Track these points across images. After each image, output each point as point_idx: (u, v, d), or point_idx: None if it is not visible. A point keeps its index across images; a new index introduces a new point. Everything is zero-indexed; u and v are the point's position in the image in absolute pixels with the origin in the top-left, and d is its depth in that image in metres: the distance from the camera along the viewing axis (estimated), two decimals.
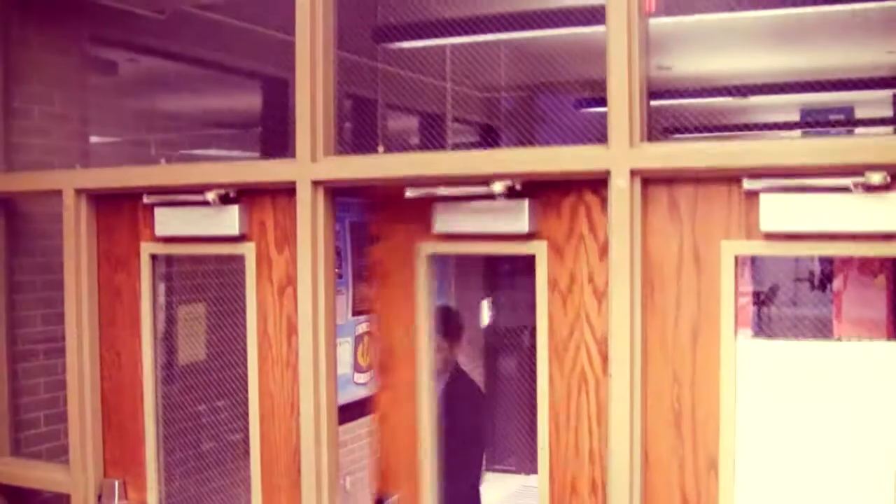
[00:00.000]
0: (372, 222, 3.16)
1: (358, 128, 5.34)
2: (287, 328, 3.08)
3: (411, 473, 3.09)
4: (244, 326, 3.15)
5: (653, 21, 2.75)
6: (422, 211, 2.91)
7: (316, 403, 3.01)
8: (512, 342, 7.24)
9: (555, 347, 2.81)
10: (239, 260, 3.17)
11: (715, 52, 6.05)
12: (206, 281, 4.44)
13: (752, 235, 2.58)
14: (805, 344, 2.63)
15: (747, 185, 2.55)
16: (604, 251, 2.72)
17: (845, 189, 2.46)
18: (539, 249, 2.83)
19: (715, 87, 6.80)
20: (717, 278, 2.61)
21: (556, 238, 2.80)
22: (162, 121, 5.08)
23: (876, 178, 2.41)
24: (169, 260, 4.28)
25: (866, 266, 3.09)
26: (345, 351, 5.20)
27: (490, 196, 2.73)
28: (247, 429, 4.23)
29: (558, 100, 6.61)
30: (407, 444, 3.09)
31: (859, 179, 2.42)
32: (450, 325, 3.50)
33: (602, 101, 2.71)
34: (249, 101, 5.42)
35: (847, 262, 3.17)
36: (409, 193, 2.79)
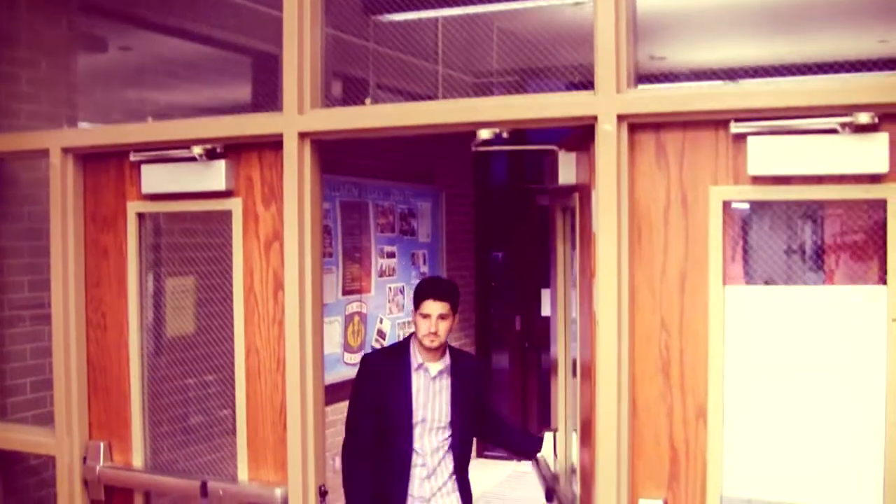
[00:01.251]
0: None
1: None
2: (274, 284, 3.06)
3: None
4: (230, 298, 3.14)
5: (646, 10, 2.76)
6: None
7: (302, 358, 3.00)
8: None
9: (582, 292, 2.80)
10: (228, 230, 3.15)
11: (710, 41, 6.06)
12: (196, 254, 4.41)
13: (740, 180, 2.57)
14: (793, 289, 2.61)
15: (735, 128, 2.54)
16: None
17: (832, 131, 2.46)
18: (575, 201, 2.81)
19: (705, 70, 6.82)
20: (706, 224, 2.60)
21: (585, 184, 2.79)
22: (151, 106, 5.07)
23: (863, 117, 2.40)
24: (157, 231, 4.26)
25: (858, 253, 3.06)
26: (334, 330, 5.17)
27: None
28: (234, 404, 4.20)
29: (548, 85, 6.62)
30: None
31: (847, 119, 2.42)
32: (455, 296, 3.30)
33: (591, 87, 2.70)
34: (242, 85, 5.41)
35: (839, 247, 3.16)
36: None
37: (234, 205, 3.11)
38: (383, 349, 3.77)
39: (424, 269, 6.03)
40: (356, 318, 5.40)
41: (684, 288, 2.63)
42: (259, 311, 3.10)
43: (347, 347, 5.32)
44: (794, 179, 2.50)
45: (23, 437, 3.55)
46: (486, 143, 2.92)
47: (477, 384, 3.46)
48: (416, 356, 3.30)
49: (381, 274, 5.59)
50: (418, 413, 3.28)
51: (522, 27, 5.48)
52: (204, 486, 3.14)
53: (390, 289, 5.66)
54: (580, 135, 2.84)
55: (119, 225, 3.32)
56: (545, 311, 6.85)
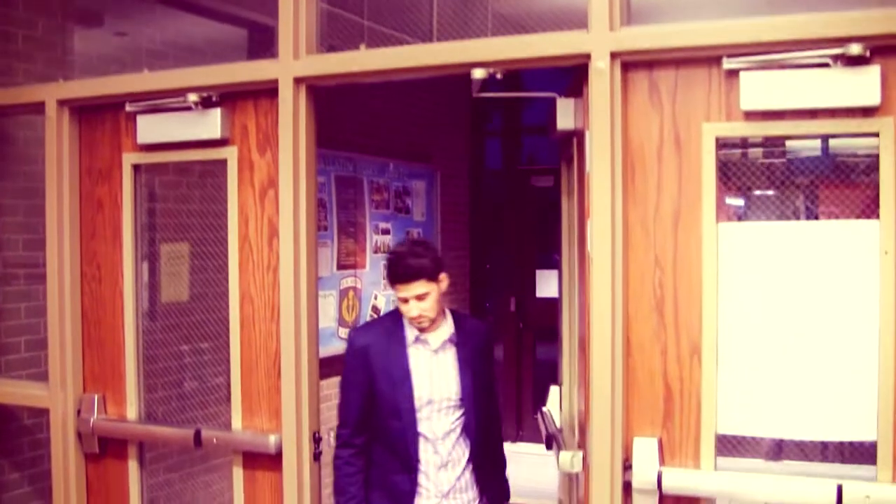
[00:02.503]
0: None
1: None
2: (268, 231, 3.07)
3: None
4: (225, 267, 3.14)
5: None
6: None
7: (296, 305, 3.00)
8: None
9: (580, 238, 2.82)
10: (223, 186, 3.16)
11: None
12: (191, 221, 4.41)
13: (733, 117, 2.59)
14: (786, 224, 2.62)
15: (727, 64, 2.55)
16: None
17: (825, 65, 2.48)
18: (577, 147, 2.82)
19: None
20: (699, 161, 2.61)
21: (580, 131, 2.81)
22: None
23: (855, 48, 2.42)
24: (152, 196, 4.26)
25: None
26: (329, 304, 5.17)
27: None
28: (228, 372, 4.19)
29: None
30: None
31: (838, 51, 2.43)
32: (431, 264, 2.85)
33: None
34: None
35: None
36: None
37: (230, 153, 3.11)
38: (371, 323, 3.25)
39: None
40: (351, 293, 5.40)
41: (678, 226, 2.64)
42: (254, 259, 3.10)
43: (342, 322, 5.31)
44: (786, 115, 2.52)
45: (16, 391, 3.54)
46: (485, 89, 2.94)
47: (487, 351, 3.10)
48: (411, 328, 2.93)
49: (377, 250, 5.59)
50: (422, 393, 2.89)
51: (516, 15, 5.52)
52: (198, 434, 3.13)
53: (385, 265, 5.67)
54: (576, 82, 2.86)
55: (114, 177, 3.32)
56: (540, 292, 6.86)
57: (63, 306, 3.34)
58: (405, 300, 2.84)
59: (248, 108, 3.10)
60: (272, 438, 3.01)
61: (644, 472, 2.62)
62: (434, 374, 2.93)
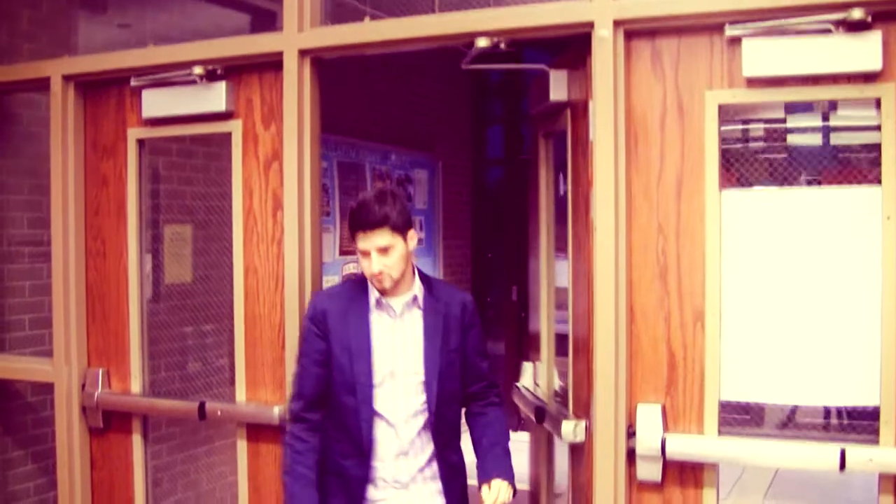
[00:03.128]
0: None
1: None
2: (273, 203, 3.08)
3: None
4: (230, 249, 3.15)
5: None
6: None
7: (301, 276, 3.01)
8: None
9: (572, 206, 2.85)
10: (228, 157, 3.18)
11: None
12: (195, 203, 4.43)
13: (735, 84, 2.60)
14: (789, 191, 2.64)
15: (729, 31, 2.57)
16: (584, 108, 2.74)
17: (826, 31, 2.50)
18: (567, 117, 2.84)
19: None
20: (702, 129, 2.62)
21: (577, 100, 2.83)
22: None
23: (856, 13, 2.43)
24: (156, 177, 4.28)
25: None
26: None
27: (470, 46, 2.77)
28: (231, 354, 4.20)
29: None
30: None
31: (840, 16, 2.45)
32: (398, 214, 2.53)
33: None
34: None
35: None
36: None
37: (234, 126, 3.13)
38: (336, 286, 2.89)
39: (421, 234, 6.05)
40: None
41: (681, 193, 2.65)
42: (258, 231, 3.11)
43: None
44: (788, 81, 2.53)
45: (21, 366, 3.56)
46: (477, 61, 2.95)
47: (465, 325, 2.67)
48: (375, 290, 2.60)
49: None
50: (383, 366, 2.57)
51: None
52: (202, 406, 3.14)
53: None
54: (572, 54, 2.87)
55: (119, 153, 3.34)
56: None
57: (68, 281, 3.35)
58: (366, 253, 2.52)
59: (253, 82, 3.11)
60: (276, 410, 3.02)
61: (648, 438, 2.63)
62: (397, 344, 2.61)
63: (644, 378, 2.68)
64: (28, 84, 3.49)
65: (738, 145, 3.55)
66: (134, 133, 3.30)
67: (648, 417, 2.65)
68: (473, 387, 2.72)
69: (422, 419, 2.58)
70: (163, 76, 3.16)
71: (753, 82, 2.56)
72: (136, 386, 3.33)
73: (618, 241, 2.65)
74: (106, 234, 3.37)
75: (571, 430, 2.81)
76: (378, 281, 2.55)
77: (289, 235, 3.01)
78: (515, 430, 6.85)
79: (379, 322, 2.61)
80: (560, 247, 3.25)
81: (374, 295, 2.61)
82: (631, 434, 2.66)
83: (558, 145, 3.27)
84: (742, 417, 2.84)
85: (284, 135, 3.00)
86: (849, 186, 2.59)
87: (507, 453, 2.70)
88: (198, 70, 3.07)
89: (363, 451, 2.56)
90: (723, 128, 2.64)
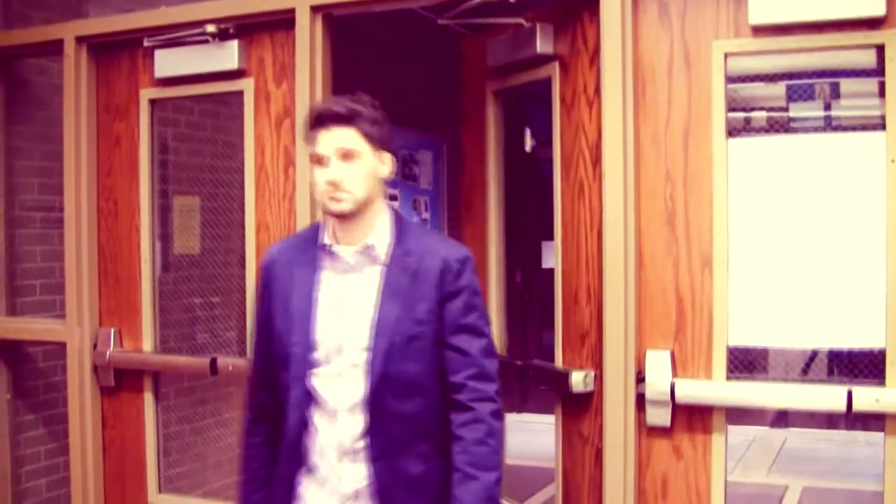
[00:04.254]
0: None
1: None
2: (284, 160, 3.12)
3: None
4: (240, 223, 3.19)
5: None
6: None
7: None
8: None
9: (563, 160, 2.86)
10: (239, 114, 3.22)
11: None
12: (203, 175, 4.47)
13: (741, 33, 2.64)
14: (794, 137, 2.68)
15: None
16: (593, 60, 2.78)
17: None
18: (552, 71, 2.90)
19: None
20: (708, 78, 2.66)
21: (563, 54, 2.87)
22: None
23: None
24: (164, 148, 4.31)
25: None
26: None
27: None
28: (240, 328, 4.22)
29: None
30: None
31: None
32: (372, 118, 2.01)
33: None
34: None
35: None
36: None
37: (246, 85, 3.17)
38: (293, 234, 2.42)
39: (426, 215, 6.08)
40: None
41: (688, 141, 2.69)
42: (270, 188, 3.15)
43: None
44: (793, 29, 2.57)
45: (33, 327, 3.59)
46: (454, 18, 2.99)
47: (442, 293, 2.00)
48: (326, 234, 2.05)
49: None
50: (328, 334, 2.00)
51: None
52: (213, 362, 3.17)
53: None
54: (558, 8, 2.90)
55: (131, 113, 3.38)
56: (546, 263, 6.88)
57: (80, 241, 3.38)
58: (321, 159, 1.97)
59: (265, 41, 3.16)
60: None
61: (657, 383, 2.66)
62: (348, 309, 2.02)
63: (653, 324, 2.71)
64: (41, 47, 3.53)
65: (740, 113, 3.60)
66: (146, 94, 3.35)
67: (658, 363, 2.68)
68: (455, 375, 2.01)
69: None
70: (175, 36, 3.21)
71: (759, 31, 2.60)
72: (147, 344, 3.37)
73: (626, 188, 2.69)
74: (118, 195, 3.41)
75: (581, 380, 2.83)
76: (334, 200, 1.96)
77: (301, 191, 3.04)
78: (519, 411, 6.91)
79: (330, 280, 2.03)
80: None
81: (326, 236, 2.04)
82: (640, 380, 2.69)
83: (508, 102, 3.35)
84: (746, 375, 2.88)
85: (297, 90, 3.04)
86: (853, 132, 2.63)
87: (486, 487, 1.98)
88: (210, 29, 3.11)
89: (294, 447, 2.00)
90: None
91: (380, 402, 1.99)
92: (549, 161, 3.05)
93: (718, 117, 2.65)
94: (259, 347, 2.14)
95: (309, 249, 2.07)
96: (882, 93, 2.53)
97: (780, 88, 3.81)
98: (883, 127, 2.52)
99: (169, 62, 3.23)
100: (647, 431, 2.71)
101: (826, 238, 2.59)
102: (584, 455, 2.84)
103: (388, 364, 1.98)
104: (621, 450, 2.69)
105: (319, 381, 2.01)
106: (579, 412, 2.88)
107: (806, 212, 2.61)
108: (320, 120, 2.00)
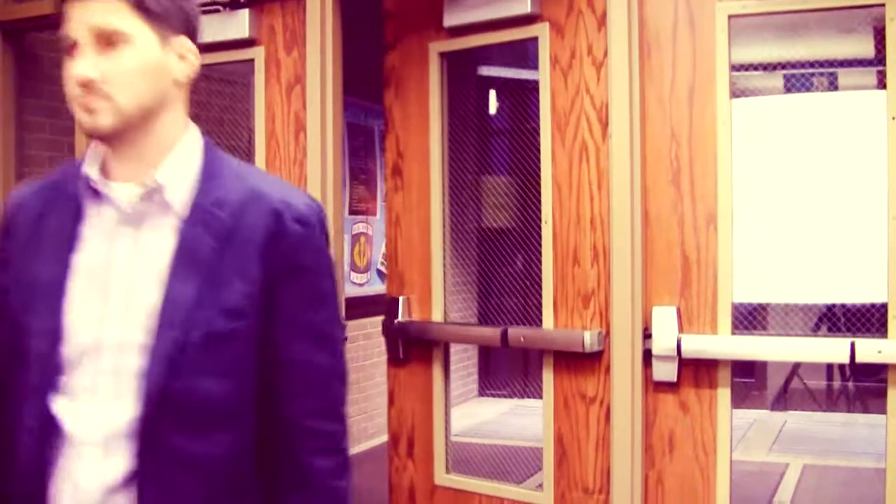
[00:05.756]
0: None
1: None
2: (295, 126, 3.17)
3: (424, 274, 3.19)
4: None
5: None
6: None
7: (323, 194, 3.09)
8: None
9: (557, 122, 2.90)
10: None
11: None
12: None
13: None
14: (797, 97, 2.74)
15: None
16: (601, 23, 2.83)
17: None
18: (541, 31, 2.93)
19: None
20: (713, 40, 2.72)
21: (556, 16, 2.92)
22: None
23: None
24: None
25: None
26: None
27: None
28: None
29: None
30: (420, 247, 3.20)
31: None
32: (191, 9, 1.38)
33: None
34: None
35: None
36: None
37: (257, 53, 3.22)
38: (59, 168, 1.49)
39: None
40: (362, 239, 5.49)
41: (693, 101, 2.74)
42: (280, 154, 3.19)
43: (354, 267, 5.40)
44: None
45: None
46: None
47: (271, 269, 1.31)
48: (92, 165, 1.33)
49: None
50: (86, 322, 1.29)
51: None
52: None
53: None
54: None
55: None
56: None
57: None
58: (74, 48, 1.28)
59: (275, 9, 3.20)
60: None
61: (664, 339, 2.71)
62: (115, 282, 1.30)
63: (659, 281, 2.76)
64: (53, 19, 3.56)
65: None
66: None
67: (664, 319, 2.73)
68: (287, 406, 1.34)
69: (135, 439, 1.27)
70: None
71: None
72: None
73: (632, 148, 2.74)
74: None
75: (593, 339, 2.83)
76: (85, 110, 1.27)
77: (312, 154, 3.09)
78: (521, 397, 6.95)
79: (96, 235, 1.32)
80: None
81: (90, 169, 1.32)
82: (647, 336, 2.74)
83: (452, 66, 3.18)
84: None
85: (308, 57, 3.09)
86: (855, 91, 2.68)
87: None
88: None
89: (26, 499, 1.29)
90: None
91: (157, 437, 1.26)
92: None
93: (722, 78, 2.70)
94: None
95: (71, 190, 1.34)
96: (882, 83, 2.59)
97: (777, 79, 3.89)
98: (883, 86, 2.59)
99: None
100: (653, 387, 2.76)
101: (828, 195, 2.64)
102: (590, 415, 2.88)
103: (175, 376, 1.26)
104: (629, 406, 2.73)
105: (63, 396, 1.28)
106: (583, 373, 2.92)
107: (808, 169, 2.66)
108: None
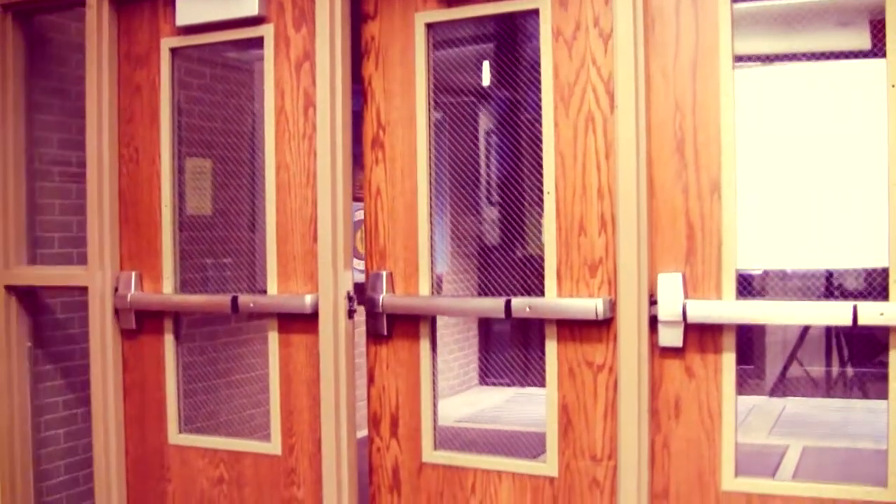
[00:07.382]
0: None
1: None
2: (304, 101, 3.21)
3: (410, 248, 3.21)
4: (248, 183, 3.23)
5: None
6: None
7: (333, 169, 3.14)
8: None
9: (560, 93, 2.95)
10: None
11: None
12: (214, 138, 4.56)
13: None
14: (798, 66, 2.79)
15: None
16: None
17: None
18: (542, 3, 2.98)
19: None
20: (715, 12, 2.78)
21: None
22: None
23: None
24: (178, 110, 4.40)
25: None
26: None
27: None
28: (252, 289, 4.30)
29: None
30: (406, 220, 3.21)
31: None
32: None
33: None
34: None
35: None
36: None
37: (266, 31, 3.27)
38: None
39: None
40: (363, 227, 5.53)
41: (696, 73, 2.79)
42: (289, 130, 3.24)
43: (355, 253, 5.43)
44: None
45: (54, 273, 3.66)
46: None
47: None
48: None
49: None
50: None
51: None
52: (234, 300, 3.25)
53: None
54: None
55: (152, 62, 3.47)
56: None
57: (102, 187, 3.46)
58: None
59: None
60: (308, 298, 3.14)
61: (669, 304, 2.76)
62: None
63: (664, 249, 2.81)
64: (62, 1, 3.62)
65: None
66: (167, 42, 3.44)
67: (669, 285, 2.77)
68: None
69: None
70: None
71: None
72: (168, 287, 3.44)
73: (638, 119, 2.79)
74: (139, 142, 3.50)
75: (605, 306, 2.86)
76: None
77: (321, 129, 3.14)
78: (522, 385, 6.99)
79: None
80: None
81: None
82: (653, 302, 2.79)
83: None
84: None
85: (317, 33, 3.13)
86: (856, 60, 2.74)
87: None
88: None
89: None
90: None
91: None
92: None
93: (725, 49, 2.75)
94: None
95: None
96: (882, 51, 2.65)
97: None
98: (884, 54, 2.65)
99: (190, 10, 3.32)
100: (659, 353, 2.81)
101: (830, 162, 2.70)
102: (598, 383, 2.93)
103: None
104: (635, 372, 2.78)
105: None
106: (590, 341, 2.97)
107: (811, 137, 2.72)
108: None
